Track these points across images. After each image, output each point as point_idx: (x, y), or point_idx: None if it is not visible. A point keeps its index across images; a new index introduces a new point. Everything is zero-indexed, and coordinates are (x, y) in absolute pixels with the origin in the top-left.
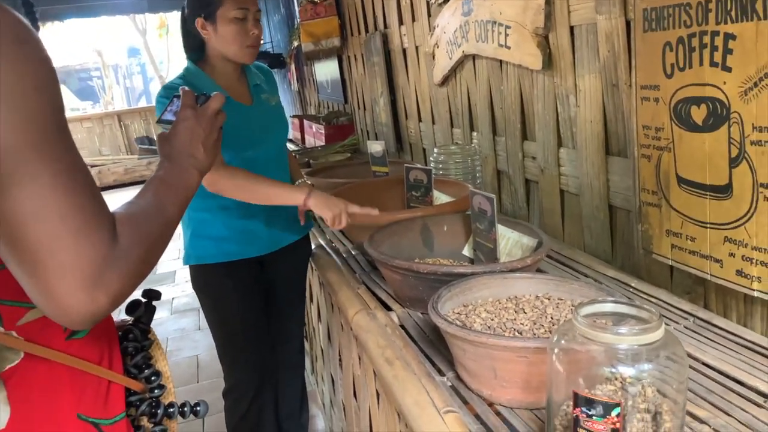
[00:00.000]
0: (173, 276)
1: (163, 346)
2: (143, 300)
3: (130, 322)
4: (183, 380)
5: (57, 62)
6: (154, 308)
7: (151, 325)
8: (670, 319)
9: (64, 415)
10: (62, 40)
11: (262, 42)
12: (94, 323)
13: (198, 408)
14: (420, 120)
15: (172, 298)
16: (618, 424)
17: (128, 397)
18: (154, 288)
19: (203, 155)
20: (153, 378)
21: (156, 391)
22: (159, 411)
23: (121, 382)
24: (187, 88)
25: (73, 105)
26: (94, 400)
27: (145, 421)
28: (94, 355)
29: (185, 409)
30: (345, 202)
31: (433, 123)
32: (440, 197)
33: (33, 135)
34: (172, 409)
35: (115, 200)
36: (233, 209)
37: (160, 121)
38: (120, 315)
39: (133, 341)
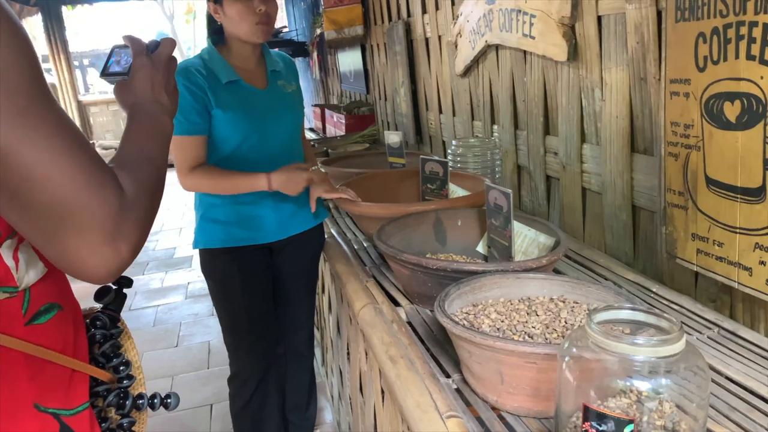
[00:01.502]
0: (190, 261)
1: (174, 332)
2: (113, 287)
3: (99, 309)
4: (194, 365)
5: (86, 45)
6: (124, 296)
7: (134, 312)
8: (692, 329)
9: (21, 406)
10: (91, 24)
11: (285, 28)
12: (118, 275)
13: (169, 401)
14: (440, 111)
15: (188, 283)
16: None
17: (95, 387)
18: (172, 272)
19: (168, 100)
20: (122, 368)
21: (125, 381)
22: (127, 402)
23: (86, 371)
24: (133, 35)
25: (101, 88)
26: (54, 390)
27: (112, 413)
28: (56, 343)
29: (155, 401)
30: (306, 173)
31: (454, 115)
32: (456, 191)
33: (19, 102)
34: (141, 401)
35: None
36: (241, 195)
37: (105, 74)
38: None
39: (101, 329)
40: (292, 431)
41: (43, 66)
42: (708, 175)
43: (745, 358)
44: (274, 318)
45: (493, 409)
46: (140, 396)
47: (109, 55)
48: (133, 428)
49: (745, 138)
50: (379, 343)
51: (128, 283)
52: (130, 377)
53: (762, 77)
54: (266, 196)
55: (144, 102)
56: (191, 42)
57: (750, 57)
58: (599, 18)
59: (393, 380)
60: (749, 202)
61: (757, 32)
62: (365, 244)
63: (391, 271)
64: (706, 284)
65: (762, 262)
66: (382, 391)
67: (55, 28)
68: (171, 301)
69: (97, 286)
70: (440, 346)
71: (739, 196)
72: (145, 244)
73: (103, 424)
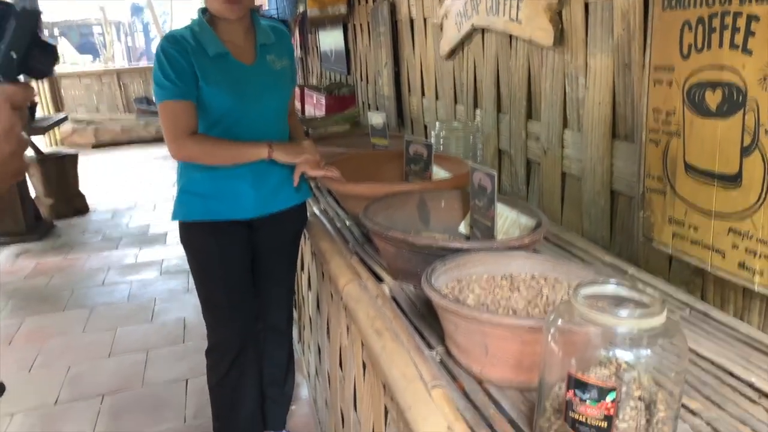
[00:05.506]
0: (164, 237)
1: (149, 307)
2: None
3: None
4: (169, 340)
5: (57, 15)
6: None
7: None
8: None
9: None
10: None
11: (264, 7)
12: None
13: None
14: (423, 95)
15: (162, 259)
16: (612, 410)
17: None
18: (147, 247)
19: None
20: None
21: None
22: None
23: None
24: None
25: (72, 59)
26: None
27: None
28: None
29: None
30: (309, 150)
31: (437, 98)
32: (439, 173)
33: None
34: None
35: (112, 159)
36: (222, 168)
37: None
38: None
39: None
40: (269, 406)
41: None
42: (687, 162)
43: (716, 337)
44: (252, 293)
45: (477, 380)
46: None
47: None
48: None
49: (725, 126)
50: (364, 317)
51: None
52: None
53: (744, 66)
54: (247, 172)
55: None
56: (167, 17)
57: (733, 46)
58: (586, 4)
59: (378, 352)
60: (726, 187)
61: (741, 22)
62: (348, 223)
63: (374, 250)
64: (679, 268)
65: (735, 246)
66: (364, 366)
67: None
68: (145, 276)
69: None
70: (424, 320)
71: (716, 181)
72: (119, 220)
73: None
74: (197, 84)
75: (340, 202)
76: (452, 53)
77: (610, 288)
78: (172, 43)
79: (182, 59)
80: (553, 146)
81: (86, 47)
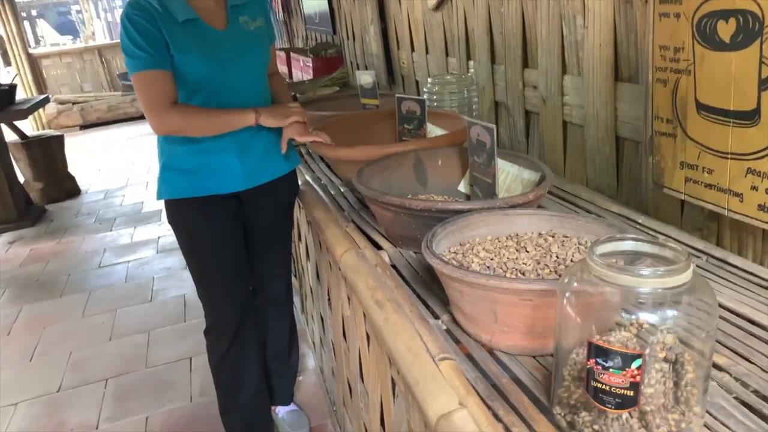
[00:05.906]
0: (159, 215)
1: (147, 287)
2: None
3: None
4: (170, 320)
5: None
6: None
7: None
8: None
9: None
10: None
11: None
12: None
13: None
14: (413, 50)
15: (158, 237)
16: (638, 377)
17: None
18: (141, 226)
19: None
20: None
21: None
22: None
23: None
24: None
25: (52, 40)
26: None
27: None
28: None
29: None
30: (296, 111)
31: (427, 52)
32: (434, 130)
33: None
34: None
35: (101, 138)
36: (203, 141)
37: None
38: None
39: None
40: (274, 380)
41: None
42: (698, 100)
43: (737, 285)
44: (246, 268)
45: (487, 349)
46: None
47: None
48: None
49: (740, 59)
50: (363, 288)
51: None
52: None
53: None
54: (231, 144)
55: None
56: None
57: None
58: None
59: (380, 324)
60: (742, 125)
61: None
62: (342, 190)
63: (370, 216)
64: (692, 213)
65: (754, 187)
66: (368, 336)
67: None
68: (142, 256)
69: None
70: (427, 288)
71: (731, 120)
72: (111, 200)
73: None
74: (169, 52)
75: (332, 168)
76: (440, 4)
77: (628, 244)
78: (137, 9)
79: (150, 26)
80: (553, 94)
81: (65, 27)
